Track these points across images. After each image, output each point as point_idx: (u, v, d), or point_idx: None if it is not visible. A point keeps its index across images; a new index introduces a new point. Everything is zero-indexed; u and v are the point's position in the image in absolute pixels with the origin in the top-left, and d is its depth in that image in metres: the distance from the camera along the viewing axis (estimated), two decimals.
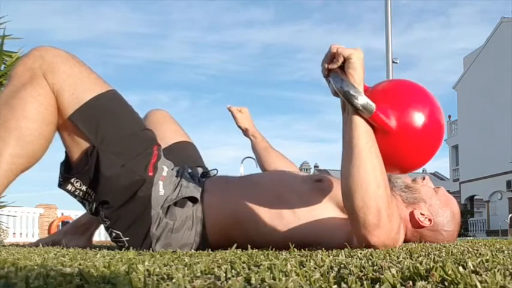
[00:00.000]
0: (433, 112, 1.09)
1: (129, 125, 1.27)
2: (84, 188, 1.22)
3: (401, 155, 1.09)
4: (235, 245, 1.17)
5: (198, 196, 1.26)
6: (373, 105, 1.02)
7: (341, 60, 1.04)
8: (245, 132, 1.83)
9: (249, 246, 1.19)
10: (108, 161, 1.18)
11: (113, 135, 1.22)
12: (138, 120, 1.33)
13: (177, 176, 1.31)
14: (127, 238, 1.23)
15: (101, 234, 9.02)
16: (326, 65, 1.07)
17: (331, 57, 1.06)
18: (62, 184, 1.25)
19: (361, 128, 1.03)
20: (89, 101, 1.19)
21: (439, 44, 48.47)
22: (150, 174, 1.23)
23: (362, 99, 1.01)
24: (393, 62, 5.12)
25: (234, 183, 1.36)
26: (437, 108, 1.11)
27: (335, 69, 1.06)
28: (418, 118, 1.06)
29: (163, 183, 1.25)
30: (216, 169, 1.50)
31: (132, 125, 1.29)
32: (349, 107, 1.05)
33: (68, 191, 1.25)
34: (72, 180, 1.23)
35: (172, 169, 1.33)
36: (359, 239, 1.05)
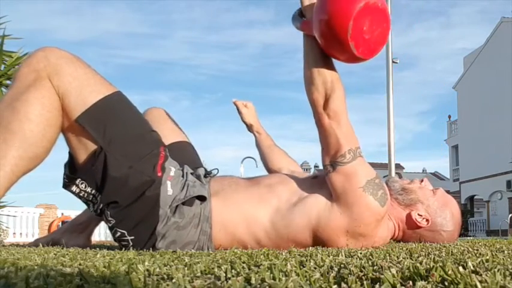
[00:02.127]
0: None
1: (136, 126, 1.28)
2: (89, 189, 1.22)
3: (331, 41, 1.21)
4: (235, 245, 1.17)
5: (206, 194, 1.27)
6: (297, 25, 1.32)
7: None
8: (250, 128, 1.81)
9: (249, 246, 1.19)
10: (116, 162, 1.18)
11: (121, 136, 1.22)
12: (144, 121, 1.33)
13: (183, 176, 1.31)
14: (132, 237, 1.23)
15: (100, 234, 9.03)
16: None
17: None
18: (67, 185, 1.25)
19: (306, 41, 1.28)
20: (96, 103, 1.18)
21: (439, 44, 48.52)
22: (159, 174, 1.23)
23: (295, 24, 1.33)
24: (393, 62, 5.11)
25: (240, 184, 1.36)
26: None
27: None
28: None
29: (171, 183, 1.25)
30: (217, 169, 1.50)
31: (139, 126, 1.29)
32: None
33: (73, 192, 1.25)
34: (77, 181, 1.23)
35: (178, 169, 1.33)
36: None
